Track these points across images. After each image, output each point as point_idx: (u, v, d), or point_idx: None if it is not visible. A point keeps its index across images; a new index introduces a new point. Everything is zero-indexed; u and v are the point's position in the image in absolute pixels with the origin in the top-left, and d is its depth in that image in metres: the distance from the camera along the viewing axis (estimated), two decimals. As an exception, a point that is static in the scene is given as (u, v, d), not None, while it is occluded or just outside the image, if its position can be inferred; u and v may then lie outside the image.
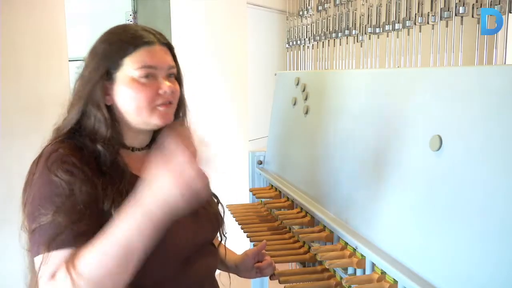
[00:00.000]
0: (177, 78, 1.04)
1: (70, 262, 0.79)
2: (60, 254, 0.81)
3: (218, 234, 1.15)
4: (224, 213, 1.15)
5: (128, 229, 0.78)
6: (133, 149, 1.02)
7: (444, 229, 0.87)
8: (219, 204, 1.15)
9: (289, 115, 1.70)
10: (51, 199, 0.85)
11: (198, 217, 1.05)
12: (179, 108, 1.06)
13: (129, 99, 0.95)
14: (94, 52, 0.98)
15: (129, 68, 0.95)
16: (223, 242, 1.16)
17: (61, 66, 2.31)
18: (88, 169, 0.90)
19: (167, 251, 0.95)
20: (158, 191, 0.78)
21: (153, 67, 0.96)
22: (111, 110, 0.97)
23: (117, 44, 0.96)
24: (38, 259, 0.84)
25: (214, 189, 1.16)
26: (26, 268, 0.94)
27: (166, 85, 0.97)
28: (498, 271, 0.75)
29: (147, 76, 0.95)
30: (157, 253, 0.92)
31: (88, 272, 0.78)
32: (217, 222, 1.12)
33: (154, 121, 0.97)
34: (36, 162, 0.92)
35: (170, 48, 1.02)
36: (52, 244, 0.82)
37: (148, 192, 0.79)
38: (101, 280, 0.78)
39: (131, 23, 1.04)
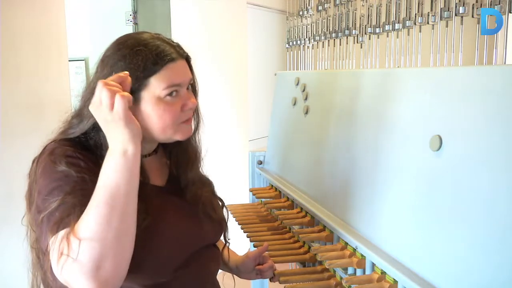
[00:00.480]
0: (194, 88, 1.03)
1: (71, 230, 0.78)
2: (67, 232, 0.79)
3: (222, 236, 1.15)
4: (228, 217, 1.15)
5: (108, 174, 0.80)
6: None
7: (444, 229, 0.87)
8: (224, 208, 1.14)
9: (289, 115, 1.70)
10: (59, 188, 0.84)
11: (201, 221, 1.05)
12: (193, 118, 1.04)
13: (155, 118, 0.93)
14: (110, 66, 0.92)
15: (156, 88, 0.91)
16: (226, 246, 1.17)
17: (61, 66, 2.31)
18: (94, 167, 0.88)
19: (168, 253, 0.94)
20: (112, 136, 0.82)
21: (178, 85, 0.94)
22: None
23: (140, 63, 0.91)
24: (50, 242, 0.81)
25: (218, 191, 1.16)
26: (29, 265, 0.94)
27: (192, 102, 0.96)
28: (498, 271, 0.75)
29: (171, 93, 0.93)
30: (158, 254, 0.93)
31: (82, 231, 0.77)
32: (220, 227, 1.11)
33: (177, 137, 0.97)
34: (37, 159, 0.91)
35: (188, 60, 1.01)
36: (60, 225, 0.80)
37: (110, 144, 0.82)
38: (96, 235, 0.76)
39: (143, 32, 0.99)
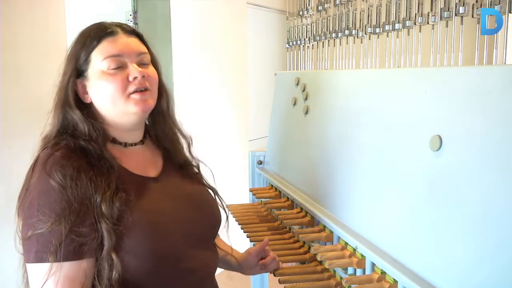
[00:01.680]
0: (154, 65, 1.03)
1: None
2: (64, 266, 0.83)
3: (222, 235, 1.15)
4: (223, 207, 1.15)
5: None
6: (126, 145, 1.02)
7: (444, 229, 0.87)
8: (219, 200, 1.14)
9: (289, 115, 1.70)
10: (51, 205, 0.85)
11: (198, 208, 1.05)
12: (161, 96, 1.05)
13: (102, 91, 0.96)
14: (66, 57, 0.99)
15: (97, 62, 0.95)
16: (226, 235, 1.16)
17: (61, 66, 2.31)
18: (84, 167, 0.89)
19: (162, 252, 0.94)
20: None
21: (118, 55, 0.95)
22: (92, 107, 0.98)
23: (82, 42, 0.97)
24: (34, 266, 0.84)
25: (218, 191, 1.16)
26: (22, 275, 0.93)
27: (136, 70, 0.95)
28: (498, 271, 0.75)
29: (116, 66, 0.95)
30: (155, 251, 0.92)
31: None
32: (216, 218, 1.11)
33: (131, 109, 0.96)
34: (33, 167, 0.91)
35: (139, 36, 1.02)
36: (54, 255, 0.83)
37: None
38: None
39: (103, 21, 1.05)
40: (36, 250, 0.84)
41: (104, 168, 0.92)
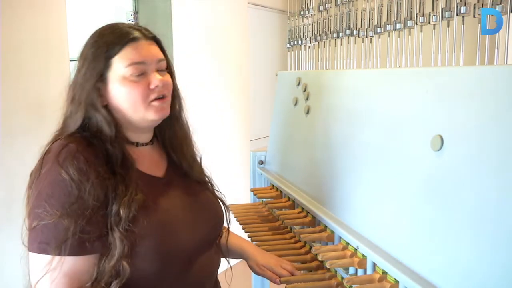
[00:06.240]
0: (168, 70, 1.04)
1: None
2: (65, 261, 0.84)
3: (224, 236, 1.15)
4: (226, 207, 1.15)
5: None
6: (137, 144, 1.03)
7: (445, 229, 0.87)
8: (222, 203, 1.14)
9: (290, 115, 1.70)
10: (59, 198, 0.85)
11: (201, 209, 1.06)
12: (174, 100, 1.07)
13: (124, 97, 0.96)
14: (84, 56, 0.98)
15: (119, 67, 0.95)
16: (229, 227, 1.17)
17: (62, 66, 2.31)
18: (99, 166, 0.89)
19: (169, 252, 0.94)
20: None
21: (141, 63, 0.96)
22: (108, 110, 0.97)
23: (104, 45, 0.96)
24: (35, 256, 0.85)
25: (219, 187, 1.17)
26: (25, 266, 0.94)
27: (157, 79, 0.97)
28: (499, 272, 0.75)
29: (139, 73, 0.96)
30: (158, 253, 0.93)
31: None
32: (220, 218, 1.12)
33: (151, 117, 0.98)
34: (43, 157, 0.91)
35: (157, 42, 1.03)
36: (57, 249, 0.83)
37: None
38: None
39: (118, 22, 1.05)
40: (39, 241, 0.84)
41: (125, 173, 0.92)
